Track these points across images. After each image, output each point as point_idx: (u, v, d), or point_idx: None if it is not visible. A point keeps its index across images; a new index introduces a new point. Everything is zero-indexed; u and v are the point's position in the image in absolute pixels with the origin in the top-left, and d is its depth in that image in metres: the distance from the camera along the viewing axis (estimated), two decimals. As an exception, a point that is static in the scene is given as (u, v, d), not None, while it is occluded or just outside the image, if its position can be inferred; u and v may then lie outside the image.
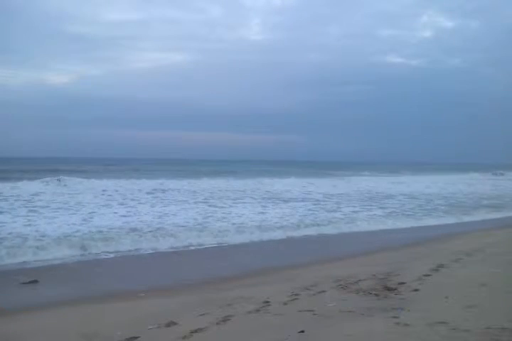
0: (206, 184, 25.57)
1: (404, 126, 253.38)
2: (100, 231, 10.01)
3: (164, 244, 9.29)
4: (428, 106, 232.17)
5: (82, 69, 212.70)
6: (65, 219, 11.56)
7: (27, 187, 19.35)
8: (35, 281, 6.66)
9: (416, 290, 5.09)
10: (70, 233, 9.72)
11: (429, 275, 5.94)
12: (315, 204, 16.89)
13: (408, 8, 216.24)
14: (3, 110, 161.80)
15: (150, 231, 10.23)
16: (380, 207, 16.77)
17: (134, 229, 10.48)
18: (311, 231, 11.35)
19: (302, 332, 3.79)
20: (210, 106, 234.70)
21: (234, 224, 11.82)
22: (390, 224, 13.15)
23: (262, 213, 14.09)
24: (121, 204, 15.21)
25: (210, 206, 15.47)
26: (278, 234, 10.78)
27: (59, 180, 22.69)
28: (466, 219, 14.74)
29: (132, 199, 16.63)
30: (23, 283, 6.54)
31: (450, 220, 14.31)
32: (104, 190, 19.19)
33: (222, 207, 15.18)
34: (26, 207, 13.52)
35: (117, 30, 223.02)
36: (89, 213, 12.73)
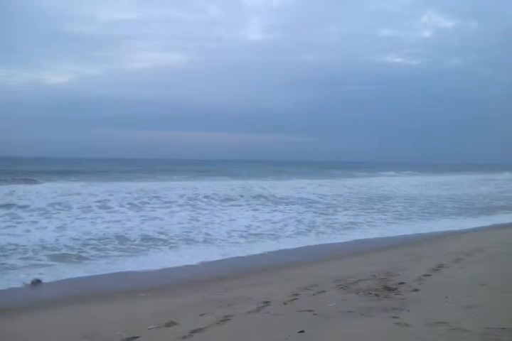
0: (203, 185, 24.43)
1: (404, 126, 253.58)
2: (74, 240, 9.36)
3: (148, 263, 8.09)
4: (428, 106, 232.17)
5: (82, 69, 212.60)
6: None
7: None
8: (39, 281, 6.65)
9: (416, 290, 5.09)
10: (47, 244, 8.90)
11: (429, 275, 5.94)
12: (315, 208, 16.75)
13: (408, 8, 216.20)
14: (2, 110, 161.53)
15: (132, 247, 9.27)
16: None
17: (119, 237, 9.91)
18: (312, 241, 10.47)
19: (302, 332, 3.79)
20: (209, 106, 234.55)
21: (232, 231, 11.20)
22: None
23: (255, 217, 13.67)
24: (101, 210, 13.89)
25: (198, 209, 14.99)
26: (274, 245, 9.94)
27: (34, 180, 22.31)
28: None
29: (118, 201, 15.58)
30: (26, 284, 6.52)
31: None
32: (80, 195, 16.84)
33: (214, 211, 14.70)
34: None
35: (116, 29, 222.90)
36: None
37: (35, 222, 11.36)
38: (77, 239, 9.54)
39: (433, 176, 45.94)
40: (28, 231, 10.36)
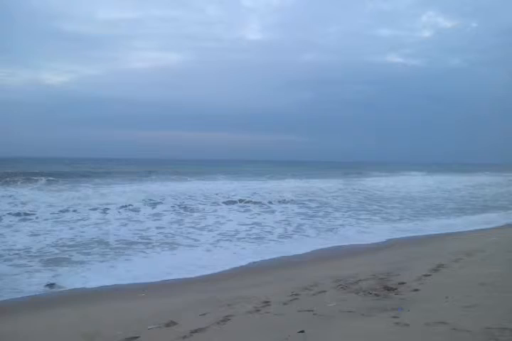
0: (201, 185, 23.90)
1: (403, 126, 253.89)
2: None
3: (148, 264, 7.94)
4: (427, 106, 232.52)
5: (81, 69, 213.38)
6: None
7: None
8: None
9: (416, 290, 5.09)
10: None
11: (429, 275, 5.94)
12: (312, 209, 16.64)
13: (408, 8, 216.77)
14: (2, 110, 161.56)
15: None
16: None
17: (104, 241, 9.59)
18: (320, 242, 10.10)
19: (302, 332, 3.79)
20: (209, 106, 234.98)
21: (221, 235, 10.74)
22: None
23: (249, 219, 13.46)
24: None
25: (192, 210, 14.77)
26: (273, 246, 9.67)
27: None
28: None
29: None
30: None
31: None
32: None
33: (206, 212, 14.47)
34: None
35: (115, 29, 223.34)
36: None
37: (31, 225, 11.21)
38: (66, 243, 9.34)
39: (453, 177, 44.81)
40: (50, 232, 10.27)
